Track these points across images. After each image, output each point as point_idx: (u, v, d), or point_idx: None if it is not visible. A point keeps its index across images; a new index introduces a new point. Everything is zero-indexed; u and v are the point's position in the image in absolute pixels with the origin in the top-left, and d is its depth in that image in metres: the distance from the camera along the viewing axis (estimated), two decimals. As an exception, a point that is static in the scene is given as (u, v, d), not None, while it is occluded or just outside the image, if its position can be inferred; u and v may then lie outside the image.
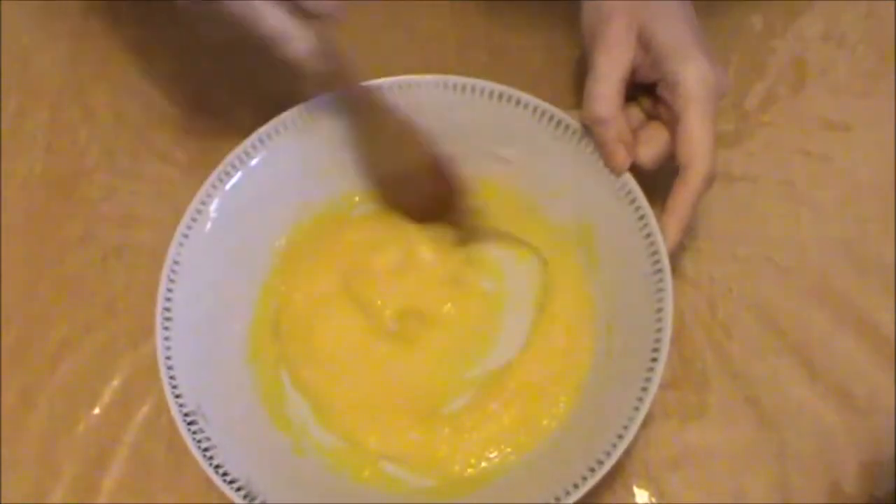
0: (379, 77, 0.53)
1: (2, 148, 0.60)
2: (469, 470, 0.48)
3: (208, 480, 0.44)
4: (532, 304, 0.52)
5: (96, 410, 0.53)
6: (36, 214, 0.59)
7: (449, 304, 0.52)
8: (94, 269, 0.57)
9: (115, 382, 0.53)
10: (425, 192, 0.53)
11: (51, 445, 0.52)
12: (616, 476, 0.49)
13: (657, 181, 0.50)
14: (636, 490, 0.49)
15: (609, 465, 0.43)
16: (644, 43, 0.49)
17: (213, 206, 0.51)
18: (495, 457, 0.48)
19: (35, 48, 0.64)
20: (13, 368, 0.54)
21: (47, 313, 0.55)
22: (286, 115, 0.53)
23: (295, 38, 0.45)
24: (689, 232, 0.50)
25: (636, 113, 0.51)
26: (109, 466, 0.51)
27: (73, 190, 0.59)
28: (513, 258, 0.54)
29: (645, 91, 0.51)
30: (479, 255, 0.54)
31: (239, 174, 0.52)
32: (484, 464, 0.48)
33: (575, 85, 0.51)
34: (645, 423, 0.49)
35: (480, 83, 0.53)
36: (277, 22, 0.44)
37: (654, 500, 0.49)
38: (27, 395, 0.53)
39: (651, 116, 0.51)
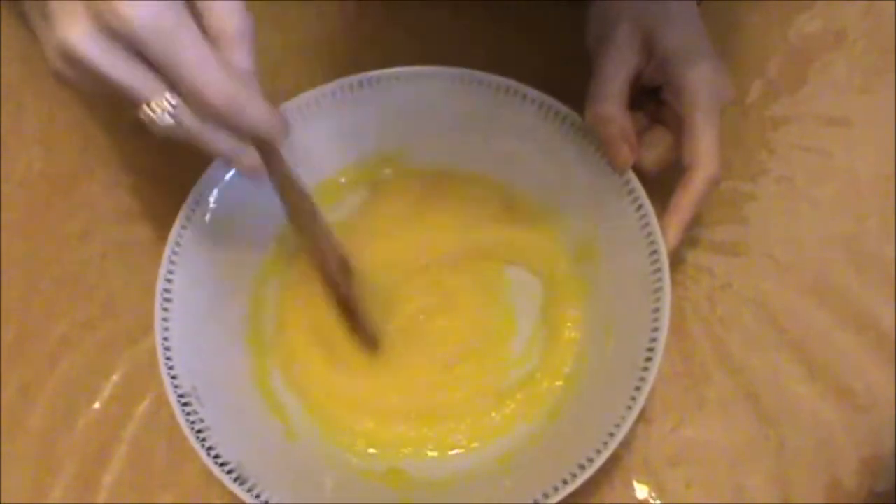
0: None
1: (1, 145, 0.60)
2: (459, 464, 0.48)
3: (208, 476, 0.44)
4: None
5: (96, 406, 0.52)
6: (36, 211, 0.59)
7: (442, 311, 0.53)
8: (93, 266, 0.57)
9: (115, 378, 0.53)
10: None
11: (50, 442, 0.52)
12: (615, 471, 0.49)
13: (660, 180, 0.50)
14: (636, 485, 0.49)
15: (599, 462, 0.43)
16: (649, 47, 0.49)
17: (212, 197, 0.51)
18: (485, 452, 0.48)
19: (35, 47, 0.63)
20: (13, 365, 0.54)
21: (47, 310, 0.55)
22: (286, 106, 0.53)
23: (242, 157, 0.42)
24: (691, 230, 0.50)
25: (640, 118, 0.52)
26: (109, 463, 0.51)
27: (73, 186, 0.59)
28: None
29: (649, 96, 0.51)
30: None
31: None
32: (473, 459, 0.48)
33: (573, 85, 0.51)
34: (644, 419, 0.50)
35: (486, 76, 0.53)
36: (225, 145, 0.41)
37: (653, 495, 0.49)
38: (27, 392, 0.53)
39: (655, 121, 0.51)
